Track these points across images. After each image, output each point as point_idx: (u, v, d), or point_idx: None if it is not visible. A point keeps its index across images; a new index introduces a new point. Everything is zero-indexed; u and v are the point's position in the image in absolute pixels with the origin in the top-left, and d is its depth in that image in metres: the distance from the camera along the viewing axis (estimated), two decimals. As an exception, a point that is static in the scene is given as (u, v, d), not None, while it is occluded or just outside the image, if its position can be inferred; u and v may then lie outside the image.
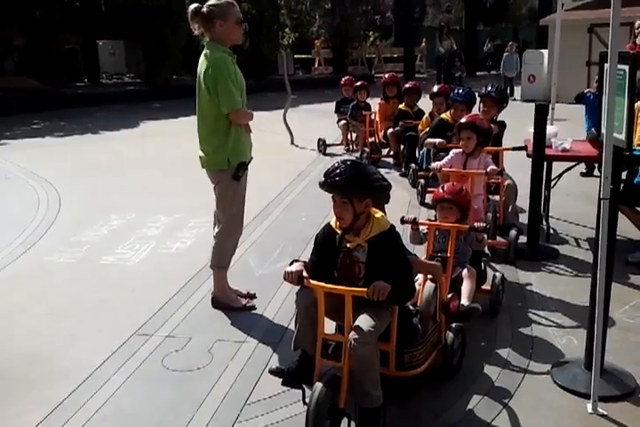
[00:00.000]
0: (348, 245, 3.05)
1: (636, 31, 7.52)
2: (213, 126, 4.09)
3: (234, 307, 4.29)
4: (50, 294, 4.65)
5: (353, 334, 2.82)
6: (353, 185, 2.91)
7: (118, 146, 11.43)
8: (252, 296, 4.44)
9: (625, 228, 5.11)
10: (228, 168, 4.10)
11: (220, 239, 4.30)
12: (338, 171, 2.92)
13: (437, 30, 20.38)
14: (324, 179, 2.95)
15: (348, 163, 2.96)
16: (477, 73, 25.54)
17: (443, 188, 4.07)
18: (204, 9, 3.99)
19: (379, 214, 3.05)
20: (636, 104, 4.56)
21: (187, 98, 19.93)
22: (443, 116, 6.53)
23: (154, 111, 16.60)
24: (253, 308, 4.30)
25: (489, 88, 5.91)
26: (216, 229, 4.33)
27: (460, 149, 5.03)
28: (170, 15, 20.33)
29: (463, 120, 5.02)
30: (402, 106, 8.68)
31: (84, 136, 12.62)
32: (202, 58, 4.07)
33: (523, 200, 5.56)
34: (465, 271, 3.97)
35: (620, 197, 4.71)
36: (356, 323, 2.87)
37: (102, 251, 5.57)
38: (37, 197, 7.52)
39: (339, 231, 3.08)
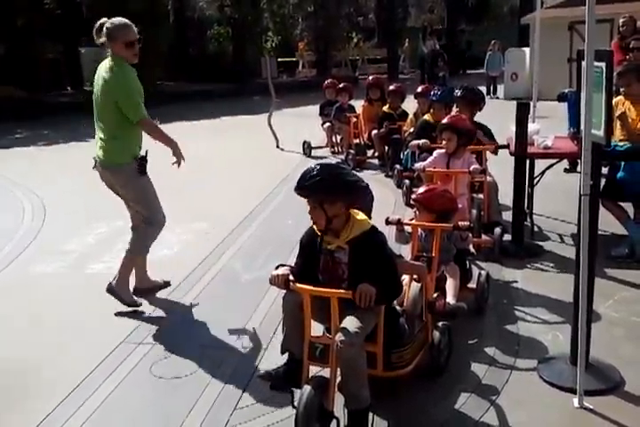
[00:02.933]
0: (328, 246, 3.06)
1: (621, 29, 7.57)
2: (116, 130, 4.32)
3: (124, 300, 4.43)
4: (36, 304, 4.62)
5: (339, 336, 2.83)
6: (319, 189, 2.91)
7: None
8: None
9: (609, 222, 5.16)
10: (133, 162, 4.40)
11: (145, 234, 4.56)
12: (307, 176, 2.93)
13: (420, 31, 20.45)
14: (296, 184, 2.98)
15: (317, 168, 2.95)
16: (461, 72, 25.66)
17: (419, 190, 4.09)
18: (104, 28, 4.24)
19: (360, 216, 3.06)
20: (613, 100, 4.62)
21: (170, 104, 19.98)
22: (425, 117, 6.59)
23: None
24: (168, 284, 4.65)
25: (459, 89, 5.96)
26: (136, 224, 4.63)
27: (443, 150, 5.06)
28: (152, 21, 20.32)
29: (444, 121, 5.06)
30: (385, 108, 8.72)
31: (68, 144, 12.58)
32: (105, 68, 4.28)
33: (506, 198, 5.59)
34: (448, 269, 3.99)
35: (603, 192, 4.78)
36: (342, 324, 2.88)
37: (89, 260, 5.55)
38: (22, 207, 7.49)
39: (320, 234, 3.09)
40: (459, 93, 5.91)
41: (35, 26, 19.23)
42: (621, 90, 5.06)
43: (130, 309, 4.41)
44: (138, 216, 4.59)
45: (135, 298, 4.51)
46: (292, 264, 3.20)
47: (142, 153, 4.48)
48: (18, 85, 18.03)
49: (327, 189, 2.91)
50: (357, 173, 3.20)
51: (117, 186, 4.50)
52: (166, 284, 4.75)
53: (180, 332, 4.07)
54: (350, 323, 2.88)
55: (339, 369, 2.89)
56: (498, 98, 17.42)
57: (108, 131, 4.33)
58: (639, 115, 4.99)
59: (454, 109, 6.17)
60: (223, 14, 25.48)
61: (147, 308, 4.42)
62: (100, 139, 4.38)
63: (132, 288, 4.58)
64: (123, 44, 4.23)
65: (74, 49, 24.54)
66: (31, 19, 19.02)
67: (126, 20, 4.29)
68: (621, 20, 7.61)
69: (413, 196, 4.12)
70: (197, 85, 23.65)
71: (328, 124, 9.95)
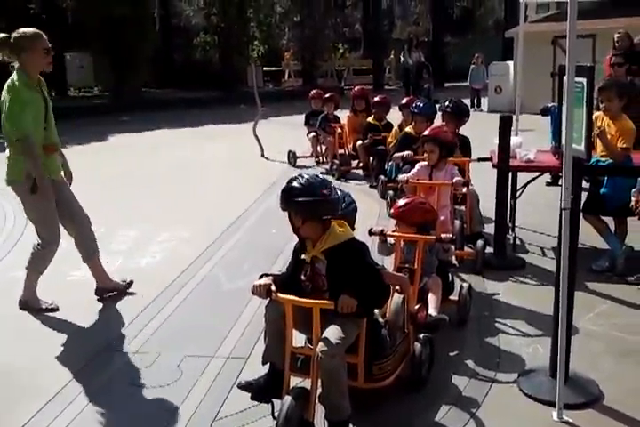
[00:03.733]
0: (302, 256, 3.07)
1: (616, 44, 7.63)
2: (10, 147, 4.32)
3: (40, 308, 4.52)
4: (15, 311, 4.57)
5: (320, 346, 2.83)
6: (283, 204, 3.00)
7: (86, 160, 11.30)
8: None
9: (590, 236, 5.21)
10: (25, 181, 4.28)
11: (43, 252, 4.55)
12: (291, 192, 2.97)
13: (406, 42, 20.62)
14: (280, 198, 3.04)
15: (300, 186, 2.98)
16: (445, 84, 25.85)
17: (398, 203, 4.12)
18: (12, 39, 4.19)
19: (340, 227, 3.07)
20: (594, 115, 4.67)
21: (156, 110, 19.90)
22: (407, 129, 6.65)
23: (122, 124, 16.49)
24: (56, 310, 4.55)
25: (446, 103, 6.01)
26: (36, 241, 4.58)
27: (425, 162, 5.09)
28: (137, 27, 20.31)
29: (425, 133, 5.10)
30: (370, 119, 8.76)
31: (51, 150, 12.48)
32: (7, 83, 4.25)
33: (488, 210, 5.63)
34: (430, 281, 4.01)
35: (585, 206, 4.84)
36: (324, 335, 2.88)
37: (70, 266, 5.48)
38: (4, 213, 7.41)
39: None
40: (446, 107, 5.97)
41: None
42: (601, 105, 5.12)
43: (111, 318, 4.38)
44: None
45: (48, 301, 4.59)
46: (276, 273, 3.20)
47: (50, 175, 4.41)
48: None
49: (287, 203, 2.99)
50: (342, 184, 3.21)
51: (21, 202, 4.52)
52: (128, 285, 4.87)
53: (162, 341, 4.04)
54: (332, 334, 2.89)
55: (319, 380, 2.89)
56: (482, 111, 17.57)
57: (8, 147, 4.35)
58: (618, 130, 5.06)
59: (439, 122, 6.22)
60: (210, 22, 25.52)
61: (128, 316, 4.38)
62: (6, 154, 4.38)
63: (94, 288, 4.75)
64: (42, 50, 4.25)
65: (58, 54, 24.45)
66: (14, 23, 18.90)
67: (35, 29, 4.30)
68: (616, 36, 7.66)
69: (391, 210, 4.16)
70: (183, 93, 23.67)
71: (313, 133, 9.97)
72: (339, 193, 3.24)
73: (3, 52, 4.24)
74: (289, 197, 2.98)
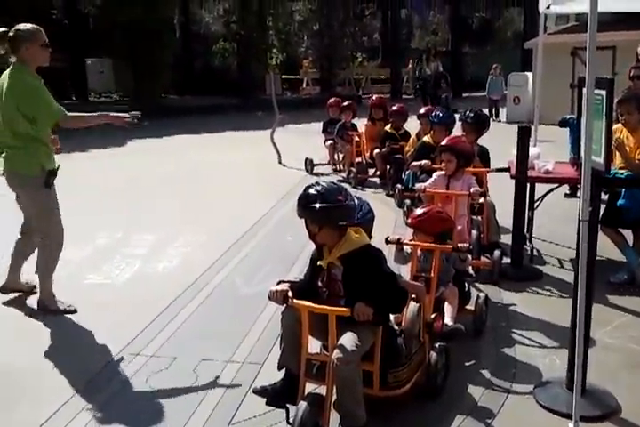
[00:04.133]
0: (319, 262, 3.09)
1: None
2: (24, 139, 4.33)
3: (58, 309, 4.57)
4: (34, 313, 4.62)
5: (336, 353, 2.84)
6: (299, 210, 3.03)
7: (105, 164, 11.44)
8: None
9: (607, 249, 5.18)
10: (40, 175, 4.37)
11: (48, 250, 4.57)
12: (309, 199, 3.00)
13: (424, 52, 20.65)
14: (297, 204, 3.06)
15: (319, 193, 3.01)
16: (463, 94, 25.85)
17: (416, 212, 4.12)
18: (11, 33, 4.27)
19: (357, 234, 3.09)
20: (613, 128, 4.66)
21: (174, 116, 20.06)
22: (425, 138, 6.66)
23: (141, 129, 16.58)
24: (74, 311, 4.58)
25: (467, 113, 6.01)
26: (36, 240, 4.63)
27: (443, 172, 5.09)
28: (158, 34, 20.53)
29: (443, 143, 5.09)
30: (388, 128, 8.79)
31: (71, 154, 12.58)
32: (5, 78, 4.32)
33: (506, 221, 5.62)
34: (447, 290, 4.01)
35: (603, 219, 4.82)
36: (340, 342, 2.89)
37: (88, 270, 5.56)
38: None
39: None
40: (466, 117, 5.97)
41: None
42: (620, 118, 5.10)
43: (128, 321, 4.41)
44: (37, 233, 4.65)
45: (65, 302, 4.62)
46: (293, 279, 3.22)
47: (54, 166, 4.49)
48: None
49: (304, 211, 3.01)
50: (358, 192, 3.23)
51: (21, 194, 4.57)
52: (30, 289, 4.87)
53: (178, 344, 4.06)
54: (347, 340, 2.89)
55: (335, 387, 2.90)
56: (500, 121, 17.53)
57: (15, 140, 4.35)
58: (637, 143, 5.04)
59: (459, 132, 6.22)
60: (229, 30, 25.73)
61: (145, 319, 4.41)
62: (9, 147, 4.39)
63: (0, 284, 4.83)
64: (41, 45, 4.32)
65: (79, 59, 24.76)
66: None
67: (34, 25, 4.38)
68: (639, 49, 7.61)
69: (408, 220, 4.17)
70: (201, 99, 23.84)
71: (330, 141, 10.01)
72: (355, 200, 3.25)
73: (2, 46, 4.31)
74: (305, 203, 3.00)
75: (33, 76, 4.34)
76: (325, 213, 2.97)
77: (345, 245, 3.04)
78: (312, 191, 3.01)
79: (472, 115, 5.97)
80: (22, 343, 4.15)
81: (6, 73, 4.35)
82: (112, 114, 4.61)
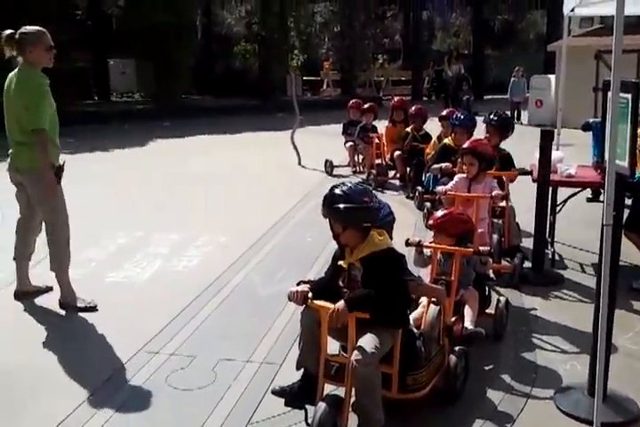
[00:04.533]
0: (340, 263, 3.09)
1: None
2: (30, 135, 4.40)
3: (79, 307, 4.61)
4: (55, 310, 4.67)
5: (355, 355, 2.84)
6: (324, 210, 3.07)
7: (127, 164, 11.53)
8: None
9: (631, 254, 5.13)
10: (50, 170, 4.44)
11: (57, 244, 4.64)
12: (334, 199, 3.03)
13: (446, 54, 20.55)
14: (322, 204, 3.10)
15: (328, 191, 3.07)
16: (485, 97, 25.70)
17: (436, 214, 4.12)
18: (17, 35, 4.37)
19: (380, 237, 3.08)
20: (638, 131, 4.60)
21: (195, 117, 20.17)
22: (445, 141, 6.62)
23: (163, 130, 16.75)
24: (95, 309, 4.62)
25: (492, 115, 5.98)
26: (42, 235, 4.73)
27: (464, 175, 5.07)
28: (180, 35, 20.64)
29: (465, 146, 5.07)
30: (409, 129, 8.77)
31: (93, 154, 12.73)
32: (14, 77, 4.43)
33: (527, 224, 5.58)
34: (467, 293, 3.99)
35: (627, 223, 4.76)
36: (359, 343, 2.89)
37: (109, 268, 5.61)
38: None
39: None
40: (491, 120, 5.93)
41: (65, 36, 19.54)
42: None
43: (149, 319, 4.44)
44: (37, 231, 4.76)
45: (87, 299, 4.67)
46: (312, 279, 3.23)
47: (60, 162, 4.56)
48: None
49: (329, 210, 3.03)
50: (378, 194, 3.22)
51: (29, 190, 4.61)
52: (47, 289, 4.90)
53: (197, 344, 4.08)
54: (367, 342, 2.89)
55: (354, 388, 2.89)
56: (522, 124, 17.42)
57: (23, 137, 4.43)
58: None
59: (479, 135, 6.19)
60: (250, 31, 25.81)
61: (165, 318, 4.44)
62: (17, 144, 4.49)
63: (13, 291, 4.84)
64: (45, 48, 4.40)
65: (102, 60, 24.98)
66: (62, 29, 19.34)
67: (39, 27, 4.46)
68: None
69: (430, 221, 4.15)
70: (222, 100, 23.92)
71: (350, 143, 10.00)
72: (380, 202, 3.26)
73: (9, 48, 4.41)
74: (330, 203, 3.02)
75: (40, 75, 4.43)
76: (350, 213, 2.98)
77: (367, 246, 3.04)
78: (338, 191, 3.03)
79: (496, 117, 5.94)
80: (43, 341, 4.19)
81: (14, 73, 4.45)
82: (48, 182, 4.48)
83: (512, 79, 18.63)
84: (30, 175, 4.52)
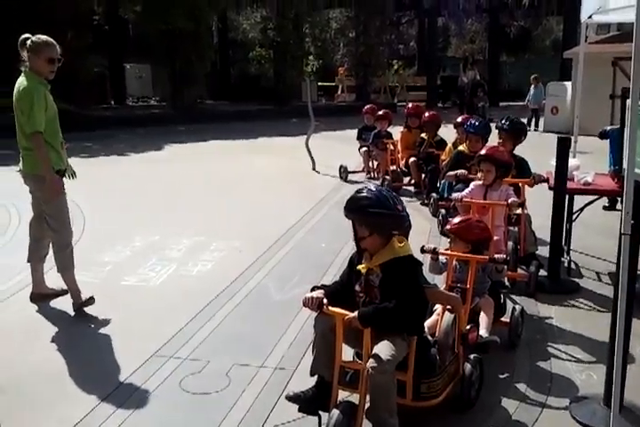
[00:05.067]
0: (358, 267, 3.09)
1: None
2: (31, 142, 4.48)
3: (80, 303, 4.69)
4: (70, 313, 4.70)
5: (371, 362, 2.83)
6: (352, 213, 3.05)
7: (143, 168, 11.60)
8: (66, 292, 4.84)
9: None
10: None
11: (59, 245, 4.70)
12: (347, 201, 3.03)
13: (462, 60, 20.50)
14: (347, 205, 3.09)
15: (355, 193, 3.06)
16: (500, 103, 25.62)
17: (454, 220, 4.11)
18: (27, 41, 4.45)
19: (401, 243, 3.08)
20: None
21: (210, 122, 20.26)
22: (460, 148, 6.59)
23: (178, 134, 16.84)
24: (92, 300, 4.72)
25: (503, 121, 5.95)
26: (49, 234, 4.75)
27: (480, 182, 5.05)
28: (196, 41, 20.77)
29: (482, 152, 5.02)
30: (424, 135, 8.76)
31: (109, 157, 12.83)
32: (20, 82, 4.48)
33: (544, 232, 5.55)
34: (482, 301, 3.97)
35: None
36: (375, 351, 2.88)
37: (124, 272, 5.63)
38: (8, 214, 7.63)
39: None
40: (504, 125, 5.91)
41: (82, 41, 19.71)
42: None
43: (163, 323, 4.46)
44: (49, 232, 4.75)
45: (87, 296, 4.72)
46: (326, 284, 3.22)
47: (62, 167, 4.63)
48: (62, 99, 18.47)
49: (354, 213, 3.02)
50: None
51: (35, 193, 4.69)
52: (64, 291, 4.87)
53: (211, 348, 4.09)
54: (382, 349, 2.88)
55: (368, 395, 2.89)
56: (538, 131, 17.37)
57: (27, 142, 4.50)
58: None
59: (494, 141, 6.16)
60: (266, 37, 25.91)
61: (179, 322, 4.45)
62: (23, 148, 4.56)
63: (29, 294, 4.89)
64: (45, 59, 4.45)
65: (119, 64, 25.19)
66: (79, 34, 19.52)
67: (50, 39, 4.52)
68: None
69: (448, 226, 4.14)
70: (237, 105, 24.03)
71: (365, 148, 10.00)
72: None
73: (22, 51, 4.47)
74: (362, 206, 2.99)
75: (38, 82, 4.47)
76: (382, 220, 2.98)
77: (387, 252, 3.04)
78: (368, 195, 3.01)
79: (508, 122, 5.91)
80: (57, 344, 4.21)
81: (20, 78, 4.52)
82: (51, 185, 4.54)
83: (531, 88, 18.60)
84: (33, 179, 4.61)
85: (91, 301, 4.72)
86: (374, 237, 3.03)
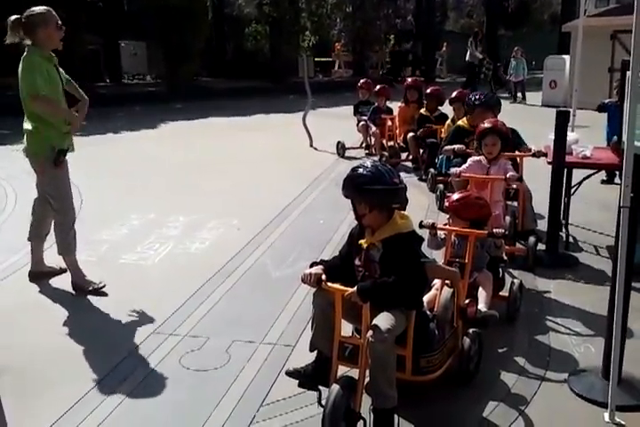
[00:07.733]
0: (359, 242, 3.07)
1: None
2: (35, 119, 4.43)
3: (89, 290, 4.64)
4: (69, 292, 4.70)
5: (371, 333, 2.83)
6: (351, 191, 3.01)
7: (139, 146, 11.53)
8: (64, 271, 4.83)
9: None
10: (50, 154, 4.44)
11: (62, 227, 4.67)
12: (358, 180, 2.98)
13: (471, 36, 20.10)
14: (345, 184, 3.04)
15: (351, 171, 3.02)
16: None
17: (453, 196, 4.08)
18: (24, 18, 4.32)
19: (403, 219, 3.06)
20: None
21: (207, 99, 20.08)
22: (459, 122, 6.51)
23: (174, 112, 16.72)
24: (104, 292, 4.64)
25: (477, 96, 5.89)
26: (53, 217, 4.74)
27: (478, 157, 5.00)
28: (191, 17, 20.51)
29: (486, 125, 4.94)
30: (423, 110, 8.67)
31: (105, 136, 12.73)
32: (22, 58, 4.40)
33: (542, 207, 5.53)
34: (481, 275, 3.97)
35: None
36: (374, 322, 2.87)
37: (122, 250, 5.62)
38: (5, 194, 7.61)
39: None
40: (477, 100, 5.85)
41: (76, 19, 19.43)
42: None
43: (161, 301, 4.46)
44: (52, 212, 4.73)
45: (95, 282, 4.69)
46: (326, 259, 3.21)
47: (64, 146, 4.53)
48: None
49: (350, 190, 2.99)
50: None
51: (38, 174, 4.65)
52: (62, 270, 4.87)
53: (211, 325, 4.10)
54: (382, 320, 2.88)
55: (367, 369, 2.89)
56: (524, 103, 17.47)
57: (29, 121, 4.46)
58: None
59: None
60: (261, 12, 25.60)
61: (178, 300, 4.46)
62: (25, 129, 4.52)
63: (27, 272, 4.88)
64: (54, 26, 4.37)
65: (114, 42, 24.89)
66: (73, 12, 19.23)
67: (45, 7, 4.41)
68: None
69: (446, 203, 4.12)
70: (234, 82, 23.83)
71: (363, 122, 9.88)
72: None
73: (17, 33, 4.36)
74: (358, 184, 2.96)
75: (41, 55, 4.38)
76: (381, 195, 2.95)
77: (389, 228, 3.02)
78: (364, 172, 2.97)
79: (481, 97, 5.86)
80: (55, 323, 4.21)
81: (23, 57, 4.42)
82: (79, 122, 4.61)
83: (511, 60, 18.55)
84: (31, 158, 4.58)
85: (102, 293, 4.64)
86: (374, 213, 3.01)
